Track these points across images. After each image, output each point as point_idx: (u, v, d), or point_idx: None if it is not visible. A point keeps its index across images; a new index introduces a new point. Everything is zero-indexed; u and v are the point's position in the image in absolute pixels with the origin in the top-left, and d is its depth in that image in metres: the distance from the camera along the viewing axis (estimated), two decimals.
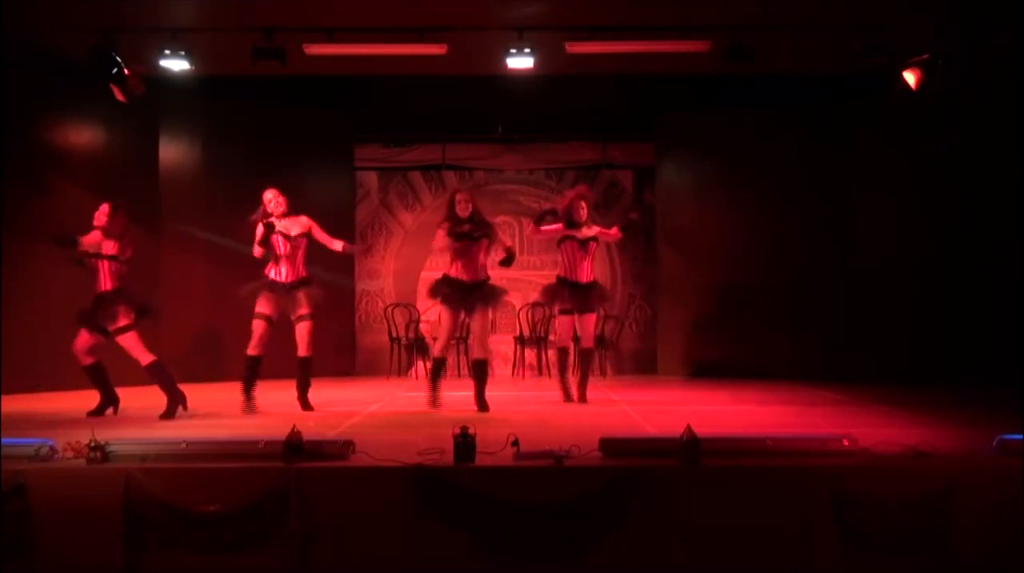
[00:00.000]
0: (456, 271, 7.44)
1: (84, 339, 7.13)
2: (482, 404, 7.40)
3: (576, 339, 8.10)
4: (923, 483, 4.74)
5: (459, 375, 10.39)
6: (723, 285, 10.77)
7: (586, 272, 7.97)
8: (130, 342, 7.09)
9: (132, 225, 7.25)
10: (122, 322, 7.05)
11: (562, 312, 8.01)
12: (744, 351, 10.55)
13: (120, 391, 8.03)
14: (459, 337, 10.04)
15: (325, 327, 10.42)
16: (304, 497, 4.70)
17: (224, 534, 4.67)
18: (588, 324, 8.05)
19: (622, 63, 8.87)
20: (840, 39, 8.14)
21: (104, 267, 7.10)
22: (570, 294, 7.91)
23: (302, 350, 7.41)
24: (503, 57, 8.35)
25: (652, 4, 7.95)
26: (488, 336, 7.52)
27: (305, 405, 7.41)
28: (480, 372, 7.50)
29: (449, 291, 7.42)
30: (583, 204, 8.00)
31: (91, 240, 7.09)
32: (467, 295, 7.41)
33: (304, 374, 7.49)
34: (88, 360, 7.18)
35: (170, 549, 4.68)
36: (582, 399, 8.02)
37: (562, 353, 8.16)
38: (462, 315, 7.63)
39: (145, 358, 7.12)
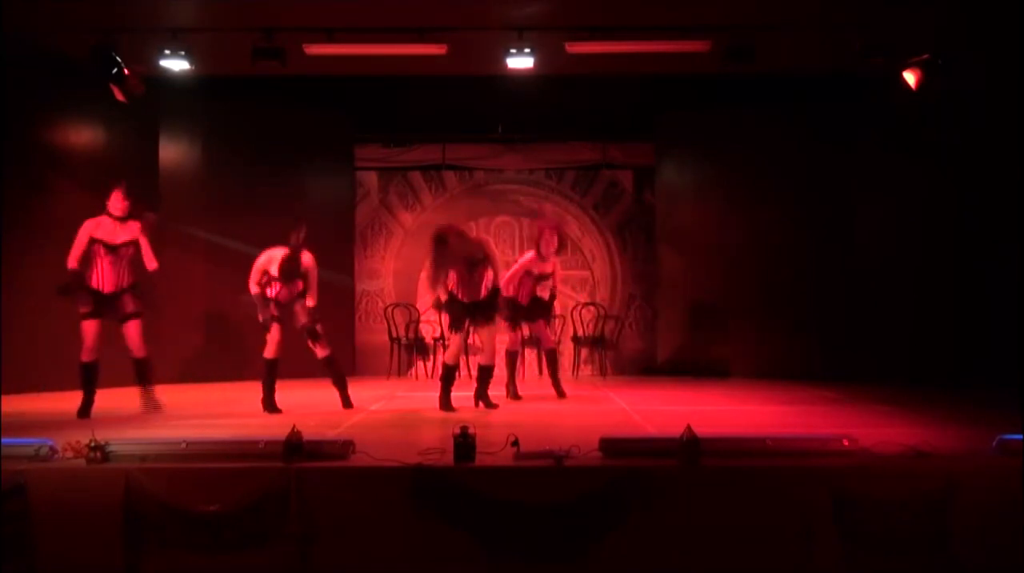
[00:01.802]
0: (459, 293, 7.55)
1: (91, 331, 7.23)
2: (487, 402, 7.61)
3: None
4: (923, 483, 4.74)
5: (459, 376, 10.37)
6: (723, 285, 10.77)
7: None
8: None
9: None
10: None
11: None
12: (743, 351, 10.55)
13: (119, 391, 8.06)
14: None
15: (325, 327, 10.45)
16: (304, 497, 4.70)
17: (224, 534, 4.67)
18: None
19: (622, 63, 8.87)
20: (840, 39, 8.14)
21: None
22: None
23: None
24: (503, 57, 8.35)
25: (652, 4, 7.95)
26: (494, 345, 7.67)
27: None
28: (484, 376, 7.65)
29: (454, 312, 7.56)
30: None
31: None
32: (469, 314, 7.57)
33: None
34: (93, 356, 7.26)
35: (170, 549, 4.69)
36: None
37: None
38: (468, 331, 7.86)
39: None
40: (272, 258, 7.49)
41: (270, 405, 7.48)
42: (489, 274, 7.63)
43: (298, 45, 8.19)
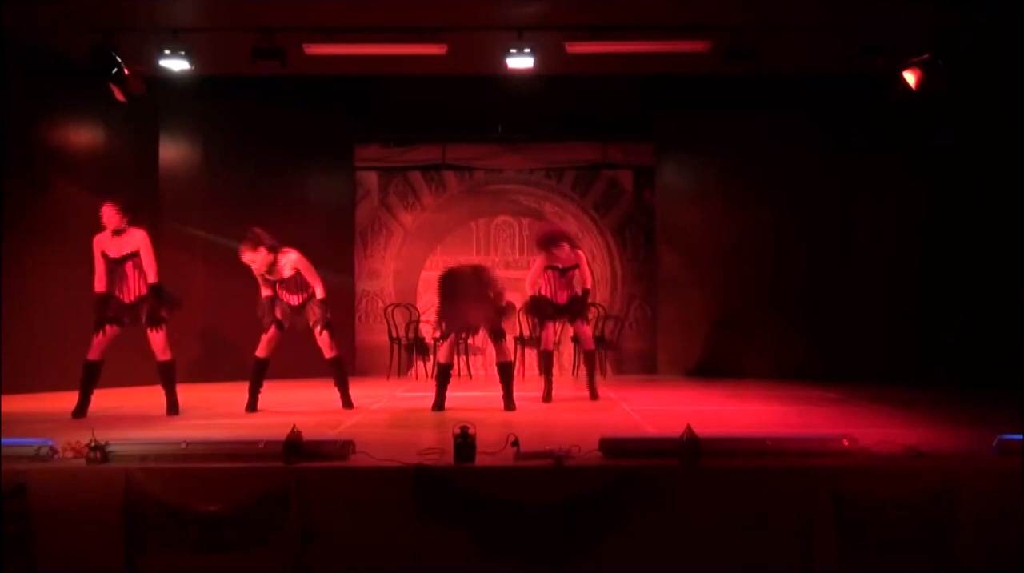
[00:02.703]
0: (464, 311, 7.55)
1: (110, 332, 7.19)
2: (509, 403, 7.58)
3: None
4: (923, 483, 4.74)
5: (459, 375, 10.38)
6: (723, 285, 10.77)
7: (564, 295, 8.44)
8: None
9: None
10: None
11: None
12: (744, 351, 10.55)
13: (119, 391, 8.07)
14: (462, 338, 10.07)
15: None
16: (304, 497, 4.70)
17: (224, 534, 4.67)
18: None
19: (622, 63, 8.87)
20: (840, 39, 8.14)
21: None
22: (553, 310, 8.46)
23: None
24: (503, 57, 8.35)
25: (652, 4, 7.95)
26: (502, 341, 7.67)
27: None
28: (506, 374, 7.65)
29: (455, 328, 7.57)
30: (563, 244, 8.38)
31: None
32: (468, 331, 7.72)
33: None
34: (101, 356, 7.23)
35: (170, 549, 4.68)
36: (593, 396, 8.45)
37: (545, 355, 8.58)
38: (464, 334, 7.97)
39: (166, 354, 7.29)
40: (252, 261, 7.45)
41: (252, 404, 7.47)
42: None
43: (298, 45, 8.19)
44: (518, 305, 10.99)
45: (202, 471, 4.81)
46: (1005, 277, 8.80)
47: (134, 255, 7.17)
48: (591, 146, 11.56)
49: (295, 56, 8.26)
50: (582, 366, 11.11)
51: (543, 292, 8.41)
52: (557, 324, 8.69)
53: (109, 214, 7.15)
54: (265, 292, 7.54)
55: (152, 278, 7.20)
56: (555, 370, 11.11)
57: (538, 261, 8.51)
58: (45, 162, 9.33)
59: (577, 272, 8.45)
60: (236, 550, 4.67)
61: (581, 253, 8.56)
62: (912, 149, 9.73)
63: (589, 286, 8.62)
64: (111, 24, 8.03)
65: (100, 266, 7.18)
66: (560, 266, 8.36)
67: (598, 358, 11.05)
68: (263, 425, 6.58)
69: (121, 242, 7.18)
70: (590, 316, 8.75)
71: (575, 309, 8.47)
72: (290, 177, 10.81)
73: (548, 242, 8.41)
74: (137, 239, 7.20)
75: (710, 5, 7.90)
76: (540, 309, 8.43)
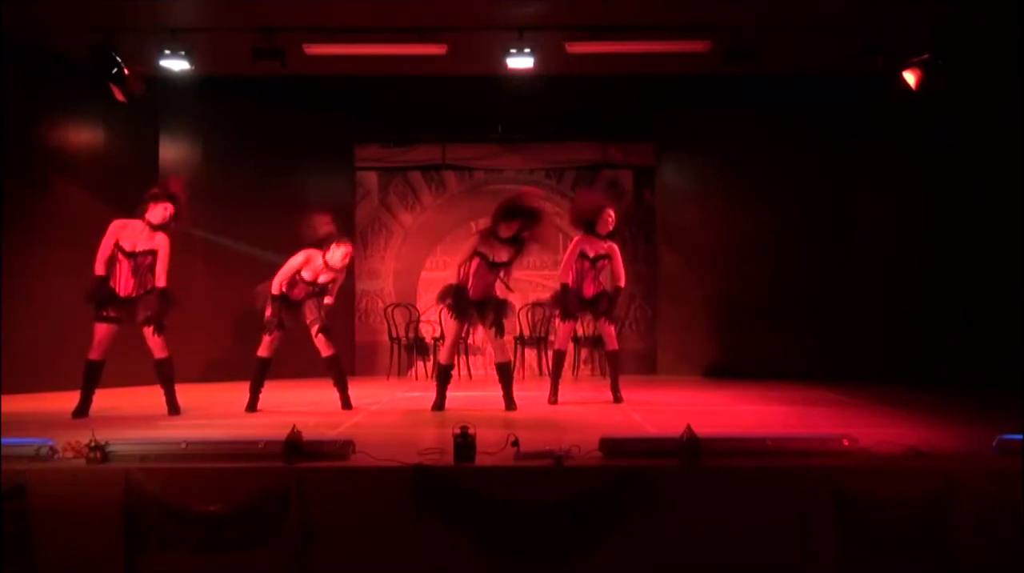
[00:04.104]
0: (471, 288, 7.44)
1: (104, 331, 7.17)
2: (510, 403, 7.54)
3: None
4: (923, 483, 4.74)
5: (459, 375, 10.38)
6: (723, 285, 10.77)
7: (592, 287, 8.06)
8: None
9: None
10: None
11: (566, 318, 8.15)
12: (744, 351, 10.55)
13: (119, 391, 8.07)
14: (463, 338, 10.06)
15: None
16: (304, 497, 4.70)
17: (224, 534, 4.67)
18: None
19: (622, 63, 8.87)
20: (840, 39, 8.14)
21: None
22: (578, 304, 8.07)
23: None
24: (503, 57, 8.36)
25: (652, 4, 7.95)
26: (502, 340, 7.62)
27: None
28: (505, 374, 7.62)
29: (459, 302, 7.41)
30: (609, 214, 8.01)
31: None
32: (475, 310, 7.47)
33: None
34: (101, 356, 7.21)
35: (170, 549, 4.68)
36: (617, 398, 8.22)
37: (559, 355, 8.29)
38: (466, 327, 7.78)
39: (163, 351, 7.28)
40: (311, 258, 7.41)
41: (252, 404, 7.47)
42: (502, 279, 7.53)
43: (298, 45, 8.19)
44: (517, 306, 11.07)
45: (202, 471, 4.81)
46: (1005, 277, 8.80)
47: (149, 253, 7.19)
48: (591, 146, 11.57)
49: (295, 56, 8.27)
50: (583, 366, 11.25)
51: (570, 282, 8.01)
52: (579, 322, 8.37)
53: (161, 209, 7.20)
54: (276, 291, 7.40)
55: (162, 282, 7.23)
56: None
57: (573, 243, 8.07)
58: (45, 162, 9.33)
59: (608, 263, 8.03)
60: (236, 550, 4.66)
61: (614, 244, 8.12)
62: (912, 149, 9.73)
63: (623, 285, 8.17)
64: (111, 24, 8.04)
65: (106, 251, 7.13)
66: (591, 255, 7.96)
67: (597, 358, 11.10)
68: (263, 425, 6.57)
69: (143, 238, 7.18)
70: (614, 315, 8.29)
71: (603, 306, 8.06)
72: (290, 177, 10.81)
73: (592, 213, 7.91)
74: (160, 241, 7.22)
75: (710, 5, 7.90)
76: (566, 302, 8.01)
